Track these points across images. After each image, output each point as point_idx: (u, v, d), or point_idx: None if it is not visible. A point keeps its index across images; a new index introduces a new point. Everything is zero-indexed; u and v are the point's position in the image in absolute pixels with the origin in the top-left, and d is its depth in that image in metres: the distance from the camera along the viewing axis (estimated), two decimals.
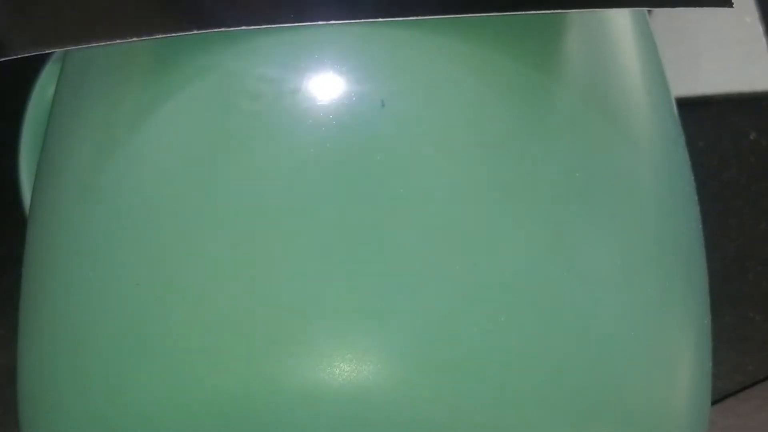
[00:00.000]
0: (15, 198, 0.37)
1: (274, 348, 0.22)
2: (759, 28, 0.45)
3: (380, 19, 0.23)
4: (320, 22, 0.23)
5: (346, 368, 0.22)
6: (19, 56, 0.23)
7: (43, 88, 0.35)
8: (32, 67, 0.34)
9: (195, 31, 0.23)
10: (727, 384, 0.42)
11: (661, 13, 0.27)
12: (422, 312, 0.22)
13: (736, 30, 0.45)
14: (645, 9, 0.29)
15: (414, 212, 0.22)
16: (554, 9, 0.23)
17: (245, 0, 0.23)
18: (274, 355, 0.22)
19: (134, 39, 0.23)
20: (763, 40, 0.45)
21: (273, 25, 0.23)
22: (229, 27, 0.23)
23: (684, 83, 0.44)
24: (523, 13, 0.23)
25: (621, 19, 0.27)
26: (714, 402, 0.30)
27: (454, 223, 0.23)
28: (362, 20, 0.23)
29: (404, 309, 0.22)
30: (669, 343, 0.25)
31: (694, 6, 0.23)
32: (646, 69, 0.27)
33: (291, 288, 0.22)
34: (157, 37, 0.23)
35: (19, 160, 0.36)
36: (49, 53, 0.26)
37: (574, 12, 0.25)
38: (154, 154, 0.24)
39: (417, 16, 0.23)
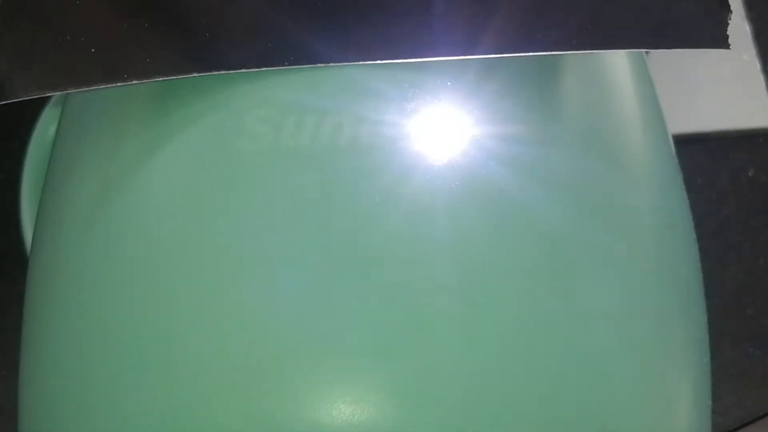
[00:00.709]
0: (17, 236, 0.37)
1: (275, 389, 0.22)
2: (756, 65, 0.45)
3: (378, 62, 0.23)
4: (319, 65, 0.23)
5: (345, 410, 0.22)
6: (21, 99, 0.23)
7: (45, 128, 0.35)
8: (34, 107, 0.34)
9: (195, 74, 0.23)
10: (727, 420, 0.42)
11: (659, 51, 0.27)
12: (422, 354, 0.22)
13: (733, 67, 0.45)
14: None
15: (413, 254, 0.23)
16: (554, 51, 0.23)
17: (244, 43, 0.23)
18: (274, 395, 0.22)
19: (134, 82, 0.23)
20: (761, 77, 0.45)
21: (271, 68, 0.23)
22: (229, 69, 0.23)
23: (682, 120, 0.44)
24: (523, 55, 0.23)
25: (618, 59, 0.27)
26: None
27: (453, 265, 0.23)
28: (360, 62, 0.23)
29: (404, 351, 0.22)
30: (668, 380, 0.25)
31: (692, 48, 0.24)
32: (643, 108, 0.28)
33: (292, 330, 0.22)
34: (157, 80, 0.23)
35: (21, 199, 0.36)
36: (50, 95, 0.26)
37: (572, 54, 0.25)
38: (154, 194, 0.24)
39: (415, 58, 0.23)
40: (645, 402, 0.24)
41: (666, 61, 0.41)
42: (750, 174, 0.45)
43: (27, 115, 0.36)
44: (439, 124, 0.23)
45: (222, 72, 0.23)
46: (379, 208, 0.23)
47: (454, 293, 0.22)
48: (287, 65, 0.23)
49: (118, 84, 0.23)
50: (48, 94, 0.24)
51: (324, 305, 0.22)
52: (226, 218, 0.23)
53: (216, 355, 0.22)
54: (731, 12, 0.24)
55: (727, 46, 0.23)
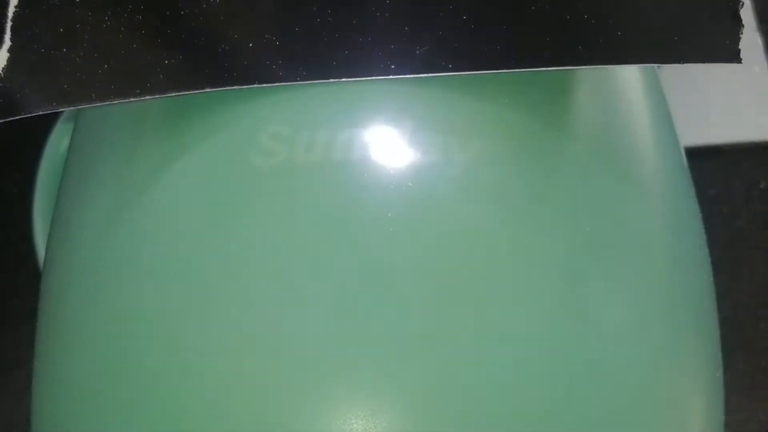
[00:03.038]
0: (29, 250, 0.37)
1: (288, 406, 0.22)
2: None
3: (391, 77, 0.23)
4: (331, 80, 0.23)
5: (359, 426, 0.22)
6: (35, 114, 0.23)
7: (57, 142, 0.36)
8: (46, 121, 0.34)
9: (208, 89, 0.23)
10: None
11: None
12: (435, 370, 0.22)
13: (745, 79, 0.45)
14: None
15: (426, 270, 0.23)
16: (566, 65, 0.23)
17: (257, 58, 0.23)
18: (287, 412, 0.22)
19: (148, 97, 0.23)
20: None
21: (284, 83, 0.23)
22: (242, 85, 0.23)
23: (694, 133, 0.44)
24: (536, 69, 0.23)
25: (629, 72, 0.27)
26: None
27: (466, 279, 0.23)
28: (372, 78, 0.23)
29: (417, 367, 0.22)
30: (681, 395, 0.25)
31: (703, 62, 0.24)
32: (655, 121, 0.28)
33: (304, 346, 0.22)
34: (171, 95, 0.23)
35: (33, 213, 0.37)
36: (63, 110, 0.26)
37: (583, 68, 0.25)
38: (167, 210, 0.24)
39: (427, 73, 0.23)
40: (658, 416, 0.24)
41: (677, 73, 0.41)
42: (762, 186, 0.45)
43: (39, 129, 0.36)
44: (453, 139, 0.23)
45: (235, 87, 0.23)
46: (392, 223, 0.23)
47: (467, 310, 0.23)
48: (300, 80, 0.23)
49: (132, 100, 0.23)
50: (62, 110, 0.24)
51: (338, 321, 0.22)
52: (240, 234, 0.23)
53: (229, 372, 0.22)
54: (743, 26, 0.24)
55: (738, 60, 0.23)
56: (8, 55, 0.24)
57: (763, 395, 0.42)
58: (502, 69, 0.23)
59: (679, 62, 0.24)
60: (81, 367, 0.24)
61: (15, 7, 0.24)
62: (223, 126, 0.24)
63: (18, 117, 0.23)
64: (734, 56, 0.23)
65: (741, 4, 0.24)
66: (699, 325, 0.26)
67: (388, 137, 0.23)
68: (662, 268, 0.25)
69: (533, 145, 0.24)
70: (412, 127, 0.23)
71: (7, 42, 0.24)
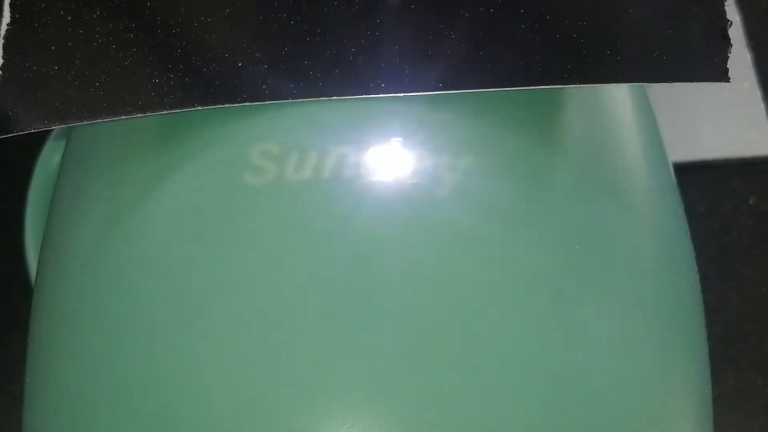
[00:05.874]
0: (21, 265, 0.37)
1: (279, 422, 0.22)
2: (757, 93, 0.45)
3: (381, 95, 0.23)
4: (322, 98, 0.23)
5: None
6: (27, 132, 0.23)
7: (48, 159, 0.36)
8: (38, 137, 0.34)
9: (198, 108, 0.23)
10: None
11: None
12: (425, 385, 0.22)
13: (734, 95, 0.45)
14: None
15: (415, 287, 0.23)
16: (555, 84, 0.23)
17: (247, 77, 0.23)
18: (276, 425, 0.22)
19: (138, 115, 0.23)
20: (762, 105, 0.45)
21: (274, 101, 0.23)
22: (231, 103, 0.23)
23: (683, 148, 0.44)
24: (525, 88, 0.23)
25: (619, 90, 0.28)
26: None
27: (455, 296, 0.23)
28: (362, 96, 0.23)
29: (407, 382, 0.22)
30: (670, 411, 0.25)
31: (692, 81, 0.24)
32: (643, 137, 0.28)
33: (295, 363, 0.22)
34: (161, 113, 0.23)
35: (25, 229, 0.37)
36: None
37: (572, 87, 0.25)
38: (158, 226, 0.24)
39: (416, 92, 0.23)
40: None
41: (666, 89, 0.41)
42: (751, 202, 0.45)
43: (31, 145, 0.36)
44: (442, 157, 0.24)
45: (226, 106, 0.23)
46: (381, 240, 0.23)
47: (456, 326, 0.23)
48: (291, 99, 0.23)
49: (123, 117, 0.23)
50: (52, 128, 0.24)
51: (328, 338, 0.22)
52: (230, 252, 0.23)
53: (219, 389, 0.22)
54: (731, 45, 0.24)
55: (727, 79, 0.24)
56: (0, 72, 0.24)
57: (752, 411, 0.42)
58: (491, 88, 0.23)
59: (668, 81, 0.24)
60: (72, 382, 0.25)
61: (7, 25, 0.24)
62: (214, 143, 0.24)
63: (10, 135, 0.23)
64: (722, 75, 0.24)
65: (729, 23, 0.24)
66: (688, 341, 0.26)
67: (376, 155, 0.23)
68: (651, 284, 0.25)
69: (522, 163, 0.24)
70: (400, 146, 0.23)
71: None
